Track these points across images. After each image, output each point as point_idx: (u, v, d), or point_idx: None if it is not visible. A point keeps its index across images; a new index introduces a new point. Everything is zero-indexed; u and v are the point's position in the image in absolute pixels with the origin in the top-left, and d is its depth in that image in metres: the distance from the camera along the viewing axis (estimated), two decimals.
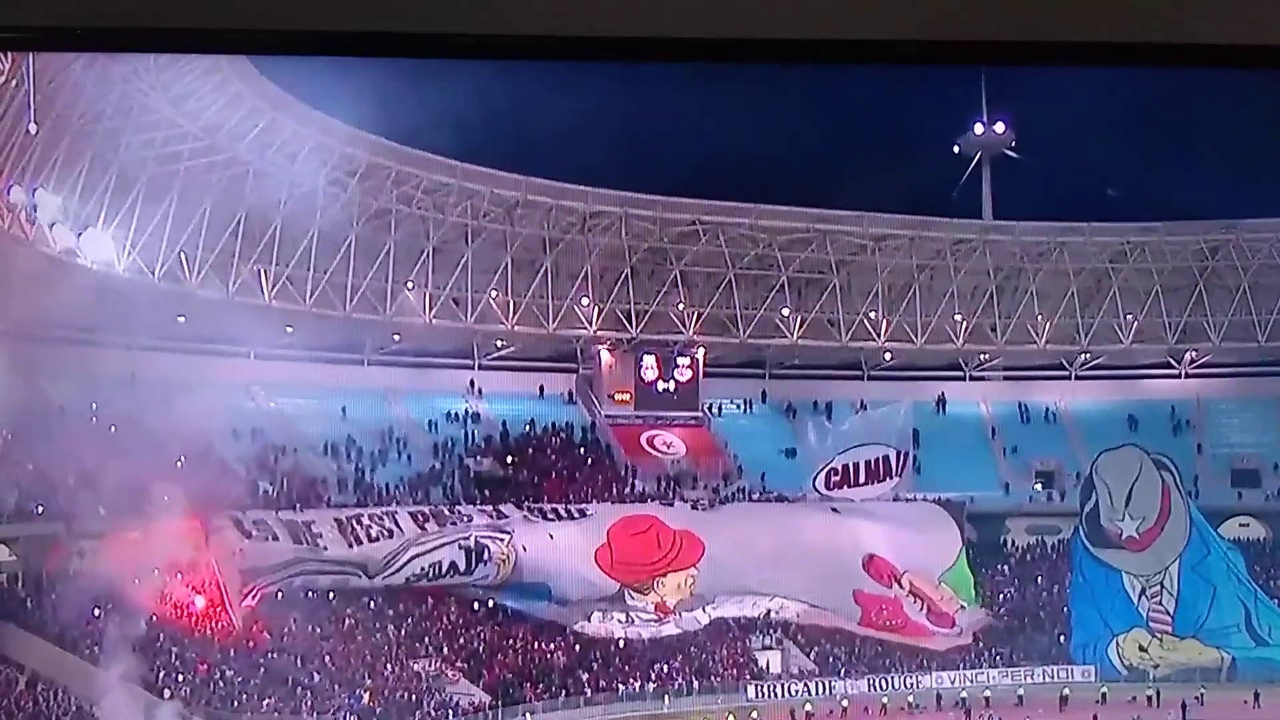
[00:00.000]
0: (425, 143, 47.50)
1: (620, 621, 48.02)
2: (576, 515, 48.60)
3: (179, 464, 41.41)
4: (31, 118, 37.27)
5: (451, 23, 3.77)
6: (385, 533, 45.12)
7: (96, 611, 38.64)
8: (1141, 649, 49.94)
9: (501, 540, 46.40)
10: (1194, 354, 59.22)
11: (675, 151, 52.27)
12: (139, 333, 43.43)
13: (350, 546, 44.36)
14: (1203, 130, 51.85)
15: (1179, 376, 59.60)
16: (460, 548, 45.85)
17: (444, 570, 45.44)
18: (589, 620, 47.59)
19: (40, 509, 41.17)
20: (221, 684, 39.97)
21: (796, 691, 47.22)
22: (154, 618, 40.33)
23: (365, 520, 45.23)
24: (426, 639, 45.07)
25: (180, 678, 39.09)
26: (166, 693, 37.86)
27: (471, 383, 53.78)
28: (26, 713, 35.99)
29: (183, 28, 3.80)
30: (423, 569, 45.15)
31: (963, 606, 51.27)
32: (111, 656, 37.47)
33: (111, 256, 43.06)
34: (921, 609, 50.58)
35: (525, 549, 46.61)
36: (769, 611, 49.99)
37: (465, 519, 46.70)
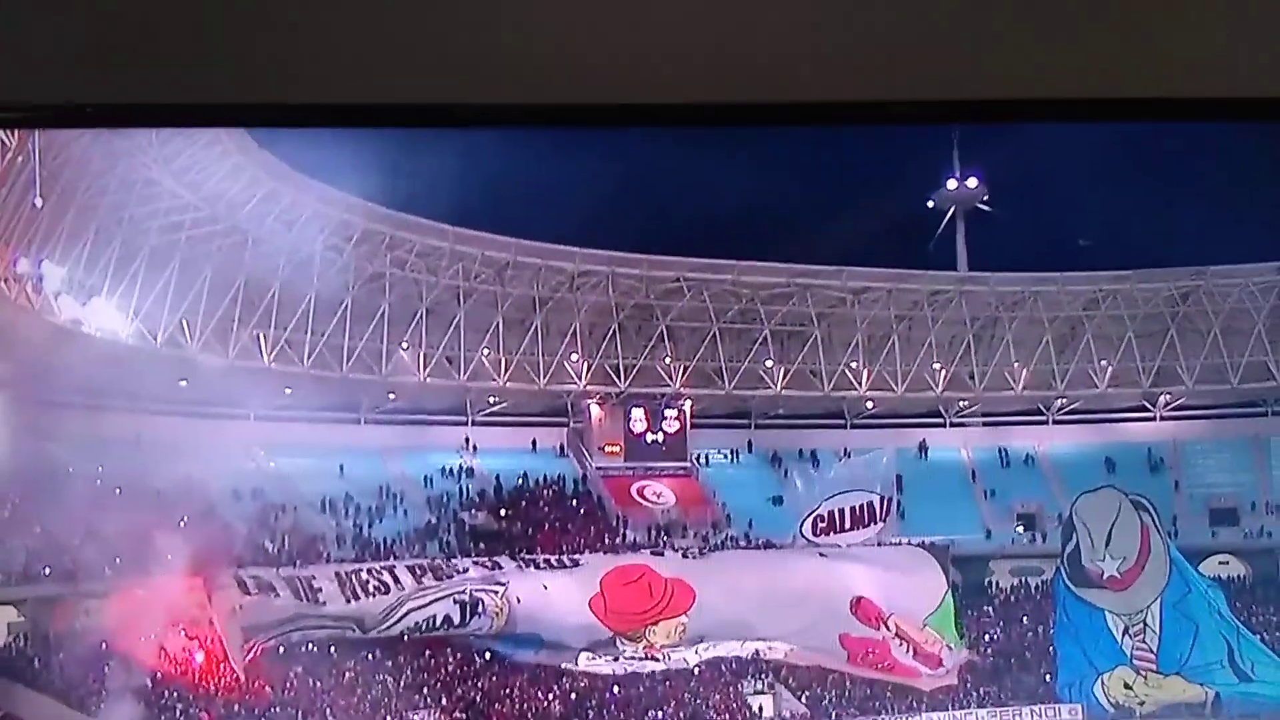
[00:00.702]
0: (418, 208, 49.10)
1: (614, 669, 48.99)
2: (569, 565, 49.71)
3: (182, 523, 42.53)
4: (38, 191, 38.78)
5: (443, 94, 3.86)
6: (382, 587, 46.17)
7: (103, 669, 39.56)
8: (1127, 686, 50.72)
9: (495, 593, 47.39)
10: (1168, 397, 60.47)
11: (659, 212, 53.86)
12: (143, 397, 44.64)
13: (348, 601, 45.40)
14: (1171, 179, 53.35)
15: (1154, 419, 60.92)
16: (455, 602, 46.86)
17: (439, 624, 46.46)
18: (584, 669, 48.56)
19: (48, 570, 42.17)
20: None
21: None
22: (159, 674, 41.35)
23: (364, 575, 46.31)
24: (425, 690, 46.01)
25: None
26: None
27: (466, 439, 54.98)
28: None
29: (185, 104, 3.88)
30: (417, 623, 46.16)
31: (949, 647, 52.24)
32: (118, 713, 38.42)
33: (115, 324, 44.43)
34: (908, 650, 51.57)
35: (519, 600, 47.62)
36: (760, 656, 50.96)
37: (461, 571, 47.81)
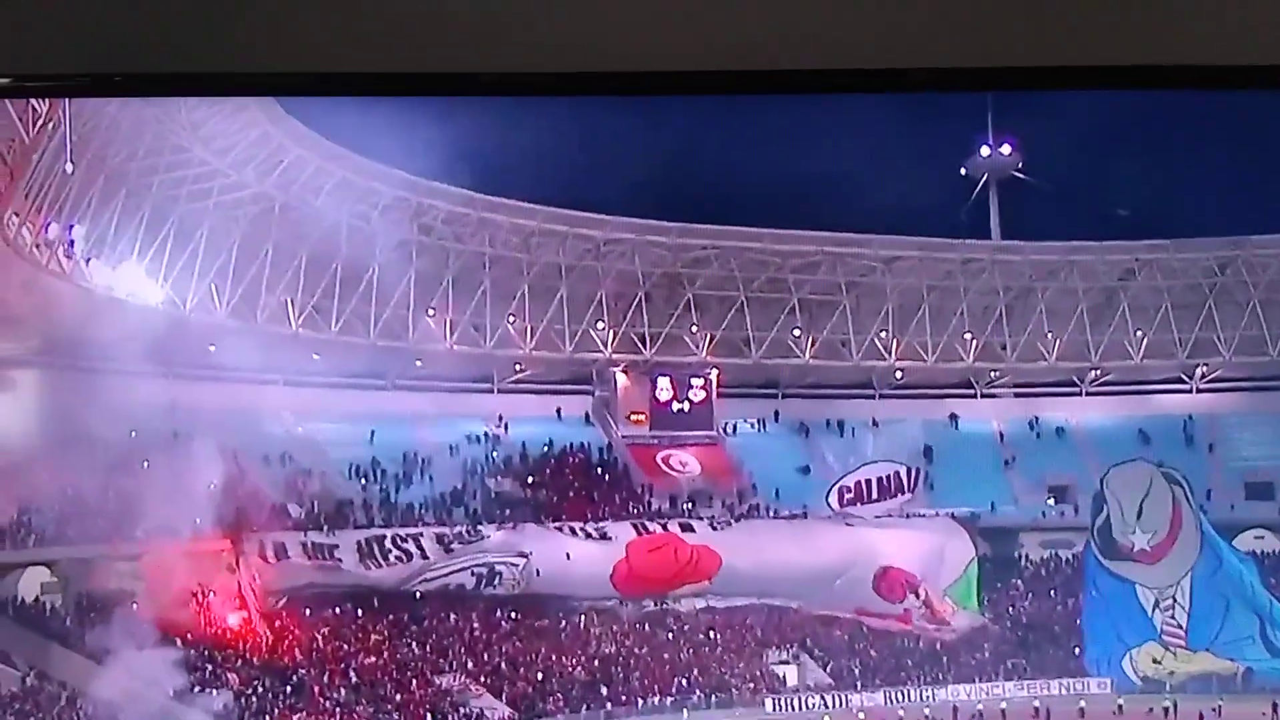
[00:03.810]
0: (445, 175, 49.08)
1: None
2: (595, 534, 49.96)
3: (212, 487, 43.07)
4: (69, 157, 39.13)
5: (472, 63, 3.86)
6: (404, 555, 46.75)
7: (133, 629, 40.20)
8: (1155, 661, 50.43)
9: (516, 565, 47.76)
10: (1205, 369, 59.75)
11: (688, 180, 53.48)
12: (172, 362, 45.10)
13: (367, 569, 46.01)
14: (1210, 148, 52.41)
15: (1190, 391, 60.18)
16: (473, 574, 47.32)
17: (452, 589, 47.08)
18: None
19: (79, 532, 42.85)
20: (254, 699, 41.55)
21: (814, 705, 48.18)
22: (189, 635, 42.03)
23: (387, 543, 46.86)
24: (450, 654, 46.47)
25: (214, 693, 40.61)
26: (201, 707, 39.33)
27: (499, 416, 54.98)
28: None
29: (213, 73, 3.92)
30: (432, 590, 46.74)
31: (960, 608, 52.23)
32: (149, 673, 39.08)
33: (145, 290, 44.88)
34: (926, 619, 51.67)
35: (539, 573, 47.95)
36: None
37: (485, 538, 48.20)
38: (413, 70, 3.94)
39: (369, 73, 3.96)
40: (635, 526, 51.07)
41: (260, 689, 41.94)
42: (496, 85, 4.00)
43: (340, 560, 45.86)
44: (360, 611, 46.22)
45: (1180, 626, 50.66)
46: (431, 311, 52.45)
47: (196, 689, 40.27)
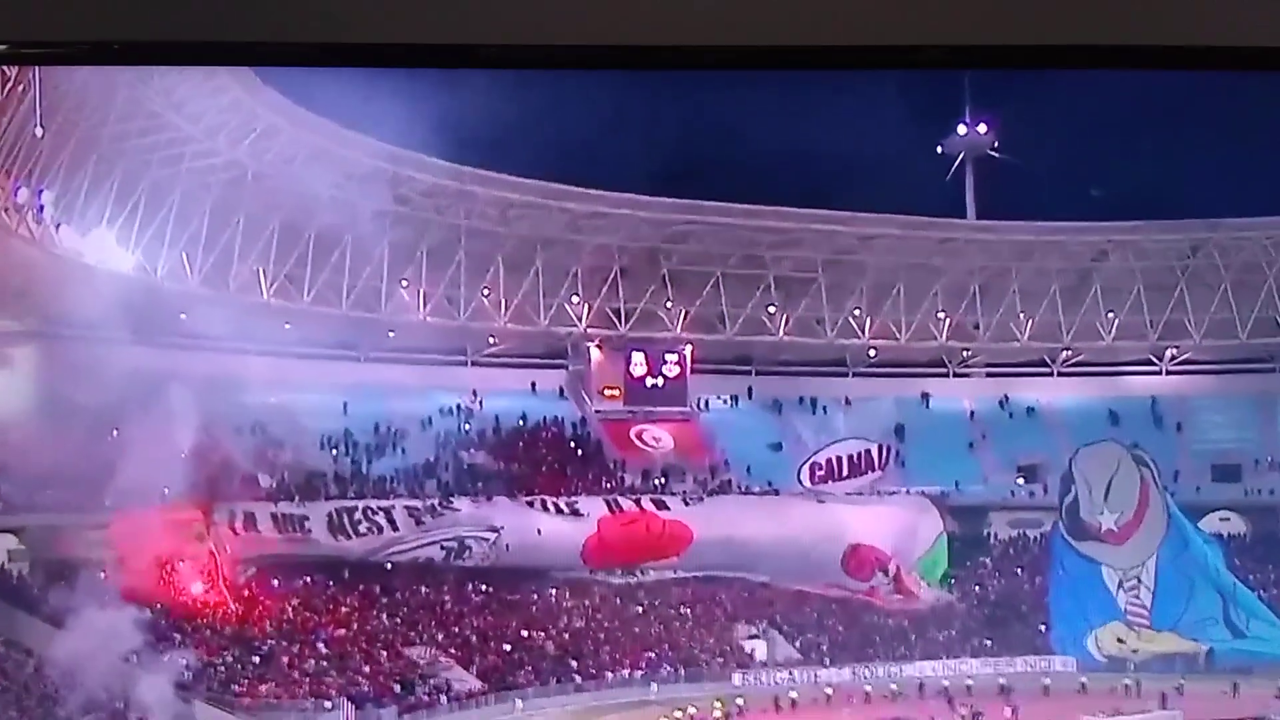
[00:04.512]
0: (421, 146, 48.64)
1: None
2: (566, 509, 50.02)
3: (182, 456, 42.81)
4: (38, 121, 38.62)
5: (447, 34, 3.81)
6: (375, 527, 46.68)
7: (102, 598, 40.00)
8: (1120, 640, 50.91)
9: (486, 540, 47.78)
10: (1175, 351, 60.12)
11: (667, 155, 53.31)
12: (143, 330, 44.68)
13: (335, 539, 45.94)
14: (1185, 130, 52.48)
15: (1160, 373, 60.58)
16: (442, 548, 47.31)
17: (421, 561, 47.12)
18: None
19: (48, 499, 42.54)
20: (223, 669, 41.50)
21: (782, 680, 48.48)
22: (157, 604, 41.86)
23: (358, 514, 46.78)
24: (420, 626, 46.50)
25: (184, 662, 40.50)
26: (168, 676, 39.21)
27: (474, 392, 54.78)
28: (36, 694, 37.45)
29: (187, 41, 3.87)
30: (401, 562, 46.75)
31: (926, 584, 52.61)
32: (117, 641, 38.91)
33: (116, 256, 44.43)
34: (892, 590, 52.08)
35: (509, 548, 47.96)
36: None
37: (457, 511, 48.16)
38: (394, 41, 3.92)
39: (345, 43, 3.93)
40: (608, 502, 51.14)
41: (229, 659, 41.88)
42: (476, 58, 3.99)
43: (310, 531, 45.76)
44: (331, 583, 46.18)
45: (1145, 606, 51.16)
46: (405, 283, 52.17)
47: (164, 658, 40.13)
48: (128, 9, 3.84)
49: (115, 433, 42.21)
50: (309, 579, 46.05)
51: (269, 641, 43.32)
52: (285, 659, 42.88)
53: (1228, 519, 56.26)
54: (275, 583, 45.22)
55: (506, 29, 3.84)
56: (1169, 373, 60.53)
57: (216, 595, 43.94)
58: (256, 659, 42.47)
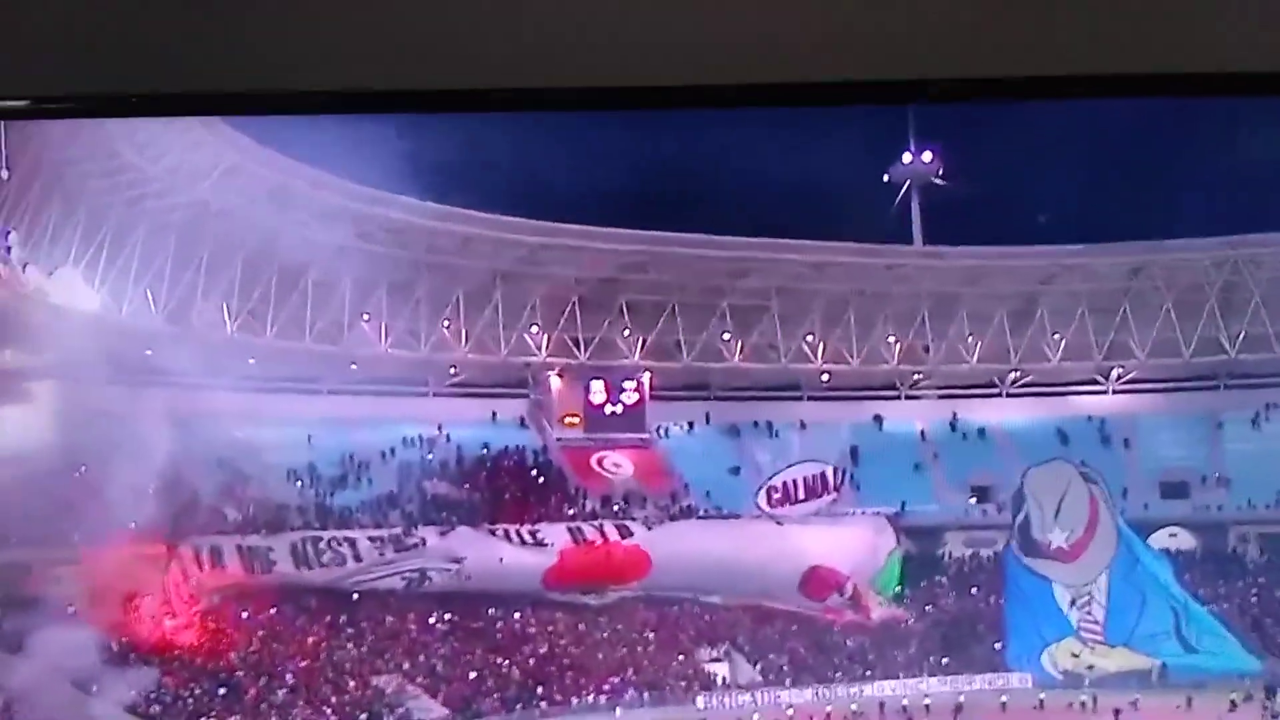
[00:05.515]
0: (381, 182, 49.52)
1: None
2: (528, 537, 50.74)
3: (150, 492, 43.24)
4: (4, 163, 39.24)
5: (408, 79, 3.91)
6: (338, 558, 47.26)
7: (68, 633, 40.29)
8: (1074, 656, 51.84)
9: (449, 571, 48.43)
10: (1121, 370, 61.40)
11: (620, 187, 54.29)
12: (108, 367, 45.08)
13: (298, 569, 46.46)
14: (1128, 154, 53.73)
15: (1106, 393, 61.86)
16: (403, 579, 47.90)
17: (383, 591, 47.66)
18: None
19: (13, 536, 42.75)
20: (190, 702, 41.85)
21: (744, 702, 49.22)
22: (125, 639, 42.21)
23: (322, 545, 47.34)
24: (387, 655, 47.00)
25: (152, 696, 40.84)
26: (138, 710, 39.55)
27: (439, 426, 55.30)
28: None
29: (157, 94, 3.98)
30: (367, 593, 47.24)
31: (880, 598, 53.51)
32: (82, 675, 39.23)
33: (81, 295, 44.98)
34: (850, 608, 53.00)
35: (470, 578, 48.57)
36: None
37: (421, 542, 48.81)
38: (353, 89, 4.15)
39: (310, 91, 4.15)
40: (571, 531, 51.84)
41: (197, 692, 42.22)
42: (431, 102, 4.16)
43: (275, 563, 46.30)
44: (298, 614, 46.63)
45: (1097, 622, 52.06)
46: (367, 317, 52.93)
47: (131, 692, 40.46)
48: (100, 60, 4.05)
49: (83, 469, 42.61)
50: (274, 610, 46.49)
51: (236, 674, 43.70)
52: (253, 691, 43.28)
53: (1176, 535, 57.27)
54: (243, 614, 45.63)
55: (465, 73, 4.03)
56: (1116, 392, 61.70)
57: (183, 629, 44.31)
58: (223, 690, 42.85)
